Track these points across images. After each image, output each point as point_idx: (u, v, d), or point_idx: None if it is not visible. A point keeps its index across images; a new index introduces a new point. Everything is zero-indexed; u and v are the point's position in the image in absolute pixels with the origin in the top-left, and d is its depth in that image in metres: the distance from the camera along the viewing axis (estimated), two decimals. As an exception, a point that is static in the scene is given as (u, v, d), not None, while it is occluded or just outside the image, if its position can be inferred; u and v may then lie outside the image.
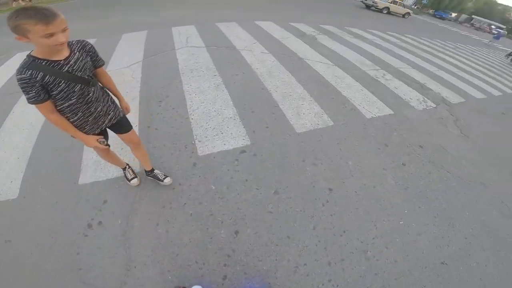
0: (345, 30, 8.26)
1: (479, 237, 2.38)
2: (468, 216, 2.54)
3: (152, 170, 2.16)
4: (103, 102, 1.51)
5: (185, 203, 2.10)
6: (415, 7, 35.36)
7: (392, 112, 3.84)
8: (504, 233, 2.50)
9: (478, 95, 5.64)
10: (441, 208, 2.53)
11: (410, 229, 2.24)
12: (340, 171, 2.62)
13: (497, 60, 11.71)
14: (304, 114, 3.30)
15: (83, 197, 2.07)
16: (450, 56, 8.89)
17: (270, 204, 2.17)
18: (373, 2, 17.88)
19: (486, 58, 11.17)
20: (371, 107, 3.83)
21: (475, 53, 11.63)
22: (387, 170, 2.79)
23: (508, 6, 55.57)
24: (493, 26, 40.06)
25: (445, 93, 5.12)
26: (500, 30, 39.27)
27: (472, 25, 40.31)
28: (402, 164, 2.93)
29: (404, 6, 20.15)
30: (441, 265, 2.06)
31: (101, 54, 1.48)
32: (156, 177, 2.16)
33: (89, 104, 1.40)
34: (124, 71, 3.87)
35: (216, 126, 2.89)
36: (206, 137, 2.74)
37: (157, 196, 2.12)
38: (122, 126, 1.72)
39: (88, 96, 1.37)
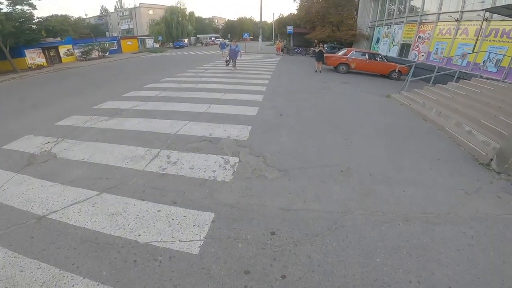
0: (95, 112, 6.31)
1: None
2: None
3: None
4: None
5: None
6: (158, 46, 38.69)
7: (213, 214, 2.70)
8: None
9: (252, 111, 6.06)
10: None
11: None
12: None
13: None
14: None
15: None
16: (207, 82, 9.68)
17: None
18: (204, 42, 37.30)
19: (227, 69, 13.63)
20: (188, 230, 2.48)
21: (219, 68, 13.87)
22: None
23: (210, 18, 74.91)
24: (213, 38, 53.12)
25: (233, 132, 4.86)
26: (220, 39, 52.97)
27: (202, 43, 51.27)
28: (282, 277, 1.98)
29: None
30: None
31: None
32: None
33: None
34: None
35: None
36: None
37: None
38: None
39: None
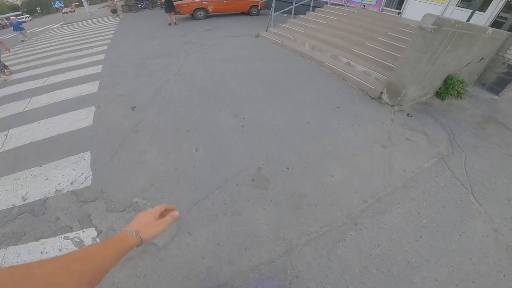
0: None
1: None
2: None
3: None
4: None
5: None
6: None
7: None
8: None
9: (85, 116, 3.63)
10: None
11: None
12: None
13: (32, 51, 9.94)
14: None
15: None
16: None
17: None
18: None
19: (29, 53, 8.98)
20: None
21: (21, 56, 8.98)
22: None
23: None
24: (12, 17, 35.71)
25: (62, 177, 2.60)
26: (24, 17, 36.21)
27: (-4, 25, 34.33)
28: None
29: None
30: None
31: None
32: None
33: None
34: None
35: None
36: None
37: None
38: None
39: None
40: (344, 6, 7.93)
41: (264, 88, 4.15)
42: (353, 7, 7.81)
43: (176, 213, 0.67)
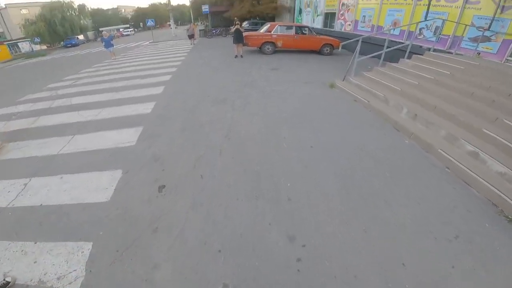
0: None
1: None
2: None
3: None
4: None
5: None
6: (44, 48, 29.92)
7: None
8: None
9: (108, 183, 2.89)
10: None
11: None
12: None
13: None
14: None
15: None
16: (52, 112, 5.82)
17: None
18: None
19: (106, 72, 9.59)
20: None
21: (98, 74, 9.68)
22: None
23: (114, 8, 63.11)
24: (121, 29, 43.60)
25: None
26: (129, 30, 43.11)
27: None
28: None
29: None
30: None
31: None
32: None
33: None
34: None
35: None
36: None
37: None
38: None
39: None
40: (452, 53, 6.20)
41: (339, 186, 2.82)
42: (462, 55, 6.02)
43: None
